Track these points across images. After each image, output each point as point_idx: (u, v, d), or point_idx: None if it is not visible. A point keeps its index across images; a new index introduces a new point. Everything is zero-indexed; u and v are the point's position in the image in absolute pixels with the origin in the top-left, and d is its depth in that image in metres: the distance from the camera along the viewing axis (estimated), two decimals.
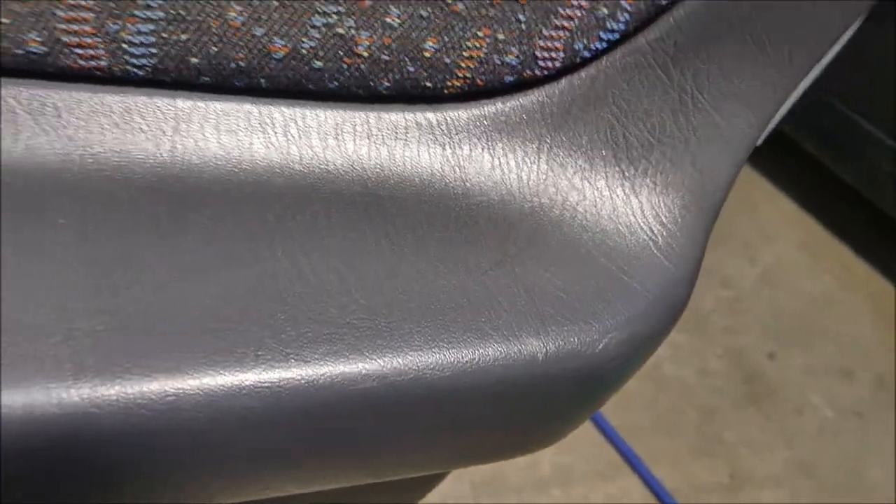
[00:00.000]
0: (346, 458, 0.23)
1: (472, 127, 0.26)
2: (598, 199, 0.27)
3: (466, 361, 0.22)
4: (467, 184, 0.26)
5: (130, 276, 0.21)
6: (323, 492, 0.25)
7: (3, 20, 0.20)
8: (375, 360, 0.21)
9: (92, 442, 0.18)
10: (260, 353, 0.20)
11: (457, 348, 0.22)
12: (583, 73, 0.26)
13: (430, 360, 0.22)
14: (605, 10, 0.24)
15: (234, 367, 0.20)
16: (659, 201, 0.27)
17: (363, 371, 0.21)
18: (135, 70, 0.22)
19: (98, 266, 0.20)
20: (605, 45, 0.25)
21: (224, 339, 0.20)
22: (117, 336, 0.19)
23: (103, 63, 0.22)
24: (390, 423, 0.22)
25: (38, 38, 0.21)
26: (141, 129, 0.23)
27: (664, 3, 0.25)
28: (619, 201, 0.27)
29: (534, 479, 1.13)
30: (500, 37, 0.24)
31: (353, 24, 0.23)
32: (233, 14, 0.22)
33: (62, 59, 0.21)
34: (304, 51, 0.23)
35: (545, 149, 0.27)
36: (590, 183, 0.27)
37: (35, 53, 0.21)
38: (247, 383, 0.20)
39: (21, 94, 0.22)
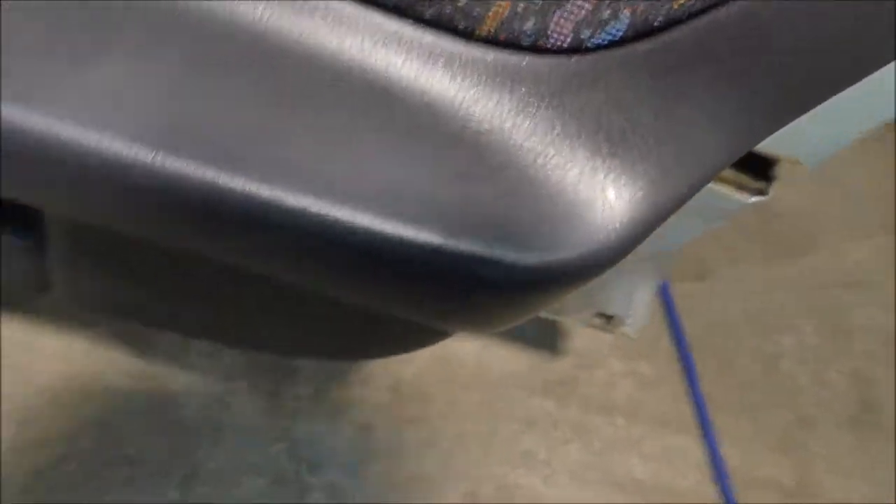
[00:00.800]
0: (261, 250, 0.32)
1: (491, 68, 0.32)
2: (568, 160, 0.33)
3: (377, 225, 0.30)
4: (469, 111, 0.33)
5: (202, 95, 0.30)
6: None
7: None
8: (308, 197, 0.30)
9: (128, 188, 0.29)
10: (246, 158, 0.30)
11: (375, 212, 0.30)
12: (588, 57, 0.31)
13: (344, 212, 0.30)
14: (606, 14, 0.29)
15: (225, 166, 0.29)
16: (618, 180, 0.32)
17: (294, 203, 0.30)
18: None
19: (185, 82, 0.30)
20: (607, 39, 0.30)
21: (229, 146, 0.30)
22: (169, 125, 0.29)
23: None
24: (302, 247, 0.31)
25: None
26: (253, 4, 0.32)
27: (656, 24, 0.29)
28: (586, 169, 0.33)
29: (603, 400, 1.19)
30: (520, 8, 0.30)
31: None
32: None
33: None
34: None
35: (543, 105, 0.33)
36: (567, 146, 0.33)
37: None
38: (227, 185, 0.29)
39: None
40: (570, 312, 0.76)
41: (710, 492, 1.17)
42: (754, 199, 0.43)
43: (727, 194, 0.42)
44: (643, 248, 0.34)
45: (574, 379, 1.18)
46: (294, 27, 0.32)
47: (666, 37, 0.29)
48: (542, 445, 1.12)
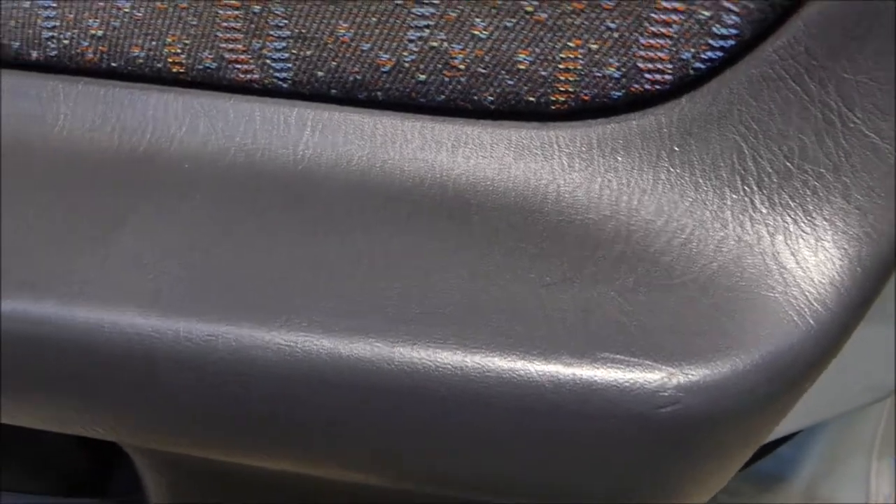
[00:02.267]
0: (339, 437, 0.24)
1: (581, 146, 0.25)
2: (717, 232, 0.23)
3: (485, 365, 0.21)
4: (564, 202, 0.25)
5: (228, 243, 0.25)
6: None
7: (186, 41, 0.27)
8: (394, 344, 0.22)
9: (145, 361, 0.23)
10: (292, 316, 0.23)
11: (477, 351, 0.22)
12: (704, 89, 0.23)
13: (444, 356, 0.22)
14: (706, 13, 0.22)
15: (263, 323, 0.22)
16: (797, 241, 0.23)
17: (379, 353, 0.22)
18: (279, 83, 0.27)
19: (208, 232, 0.25)
20: (720, 54, 0.22)
21: (268, 300, 0.23)
22: (192, 283, 0.24)
23: (256, 76, 0.27)
24: (391, 412, 0.22)
25: (210, 56, 0.27)
26: (281, 132, 0.27)
27: (786, 3, 0.21)
28: (745, 237, 0.23)
29: None
30: (594, 47, 0.23)
31: (445, 37, 0.24)
32: (342, 31, 0.25)
33: (228, 73, 0.27)
34: (406, 64, 0.25)
35: (661, 173, 0.24)
36: (710, 213, 0.24)
37: (210, 68, 0.27)
38: (268, 339, 0.22)
39: (202, 102, 0.28)
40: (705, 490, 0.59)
41: None
42: None
43: None
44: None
45: None
46: (335, 155, 0.27)
47: (803, 15, 0.21)
48: None
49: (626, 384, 0.21)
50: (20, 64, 0.29)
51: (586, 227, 0.25)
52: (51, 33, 0.28)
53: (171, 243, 0.25)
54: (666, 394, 0.21)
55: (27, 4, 0.28)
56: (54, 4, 0.27)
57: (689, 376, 0.21)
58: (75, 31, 0.28)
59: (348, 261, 0.24)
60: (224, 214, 0.26)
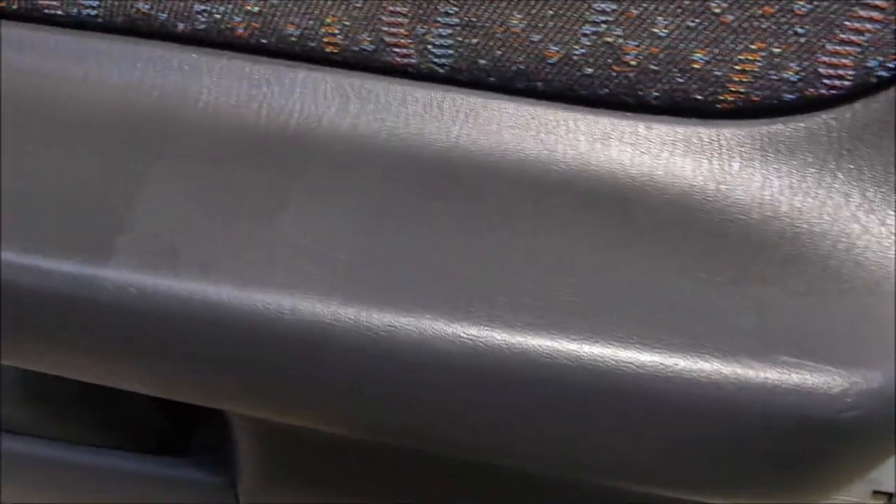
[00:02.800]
0: (516, 432, 0.24)
1: (745, 146, 0.25)
2: (884, 238, 0.24)
3: (668, 365, 0.22)
4: (727, 200, 0.25)
5: (396, 230, 0.25)
6: None
7: (346, 23, 0.27)
8: (574, 340, 0.22)
9: (323, 349, 0.23)
10: (470, 309, 0.23)
11: (660, 350, 0.22)
12: (881, 95, 0.24)
13: (626, 354, 0.22)
14: None
15: (444, 315, 0.23)
16: None
17: (560, 348, 0.22)
18: (437, 68, 0.27)
19: (374, 217, 0.25)
20: None
21: (444, 290, 0.23)
22: (366, 270, 0.24)
23: (414, 61, 0.27)
24: (574, 409, 0.23)
25: (369, 38, 0.27)
26: (436, 117, 0.27)
27: None
28: None
29: None
30: (776, 50, 0.23)
31: (621, 34, 0.24)
32: (514, 21, 0.25)
33: (384, 57, 0.27)
34: (575, 57, 0.25)
35: (827, 175, 0.25)
36: (878, 219, 0.24)
37: (366, 50, 0.27)
38: (449, 331, 0.23)
39: (353, 83, 0.28)
40: (839, 491, 0.60)
41: None
42: None
43: None
44: None
45: None
46: (495, 143, 0.27)
47: None
48: None
49: (809, 388, 0.22)
50: (161, 35, 0.29)
51: (749, 227, 0.25)
52: (203, 6, 0.28)
53: (338, 229, 0.25)
54: (848, 399, 0.21)
55: None
56: None
57: (869, 383, 0.22)
58: (230, 5, 0.27)
59: (515, 253, 0.25)
60: (384, 199, 0.26)
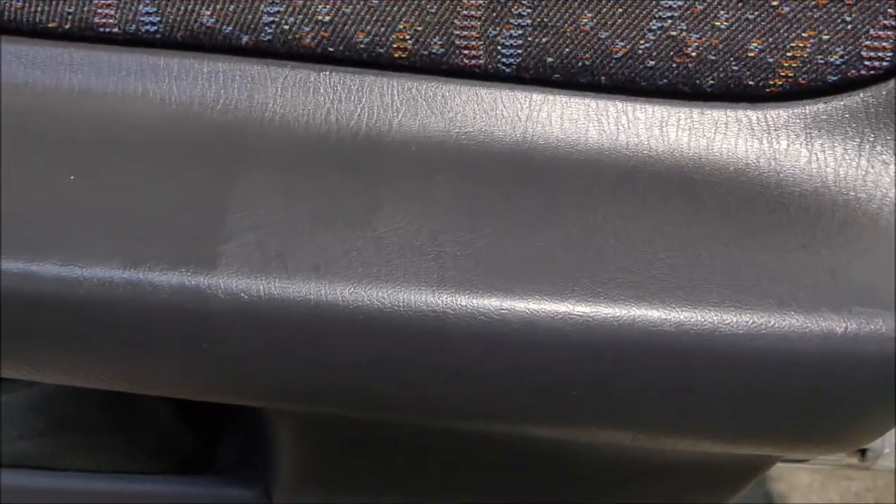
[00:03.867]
0: (629, 400, 0.26)
1: (792, 124, 0.28)
2: None
3: (762, 323, 0.24)
4: (781, 175, 0.28)
5: (487, 222, 0.27)
6: None
7: (418, 28, 0.28)
8: (675, 308, 0.24)
9: (441, 339, 0.24)
10: (576, 288, 0.25)
11: (753, 311, 0.24)
12: None
13: (725, 317, 0.24)
14: None
15: (554, 296, 0.24)
16: None
17: (663, 316, 0.24)
18: (503, 67, 0.29)
19: (464, 211, 0.27)
20: None
21: (548, 274, 0.25)
22: (471, 260, 0.25)
23: (482, 62, 0.28)
24: (679, 372, 0.25)
25: (440, 42, 0.28)
26: (503, 114, 0.29)
27: None
28: None
29: None
30: (825, 37, 0.26)
31: (685, 27, 0.27)
32: (585, 20, 0.27)
33: (454, 59, 0.28)
34: (640, 51, 0.27)
35: (867, 146, 0.27)
36: None
37: (436, 54, 0.28)
38: (562, 310, 0.24)
39: (421, 86, 0.29)
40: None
41: None
42: None
43: None
44: None
45: None
46: (561, 135, 0.28)
47: None
48: None
49: (886, 333, 0.24)
50: (222, 49, 0.30)
51: (804, 197, 0.27)
52: (272, 18, 0.28)
53: (436, 224, 0.26)
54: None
55: None
56: None
57: None
58: (300, 16, 0.28)
59: (600, 236, 0.26)
60: (468, 195, 0.27)
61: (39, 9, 0.29)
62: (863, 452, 0.71)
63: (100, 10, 0.29)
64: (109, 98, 0.29)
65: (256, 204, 0.27)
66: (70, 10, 0.29)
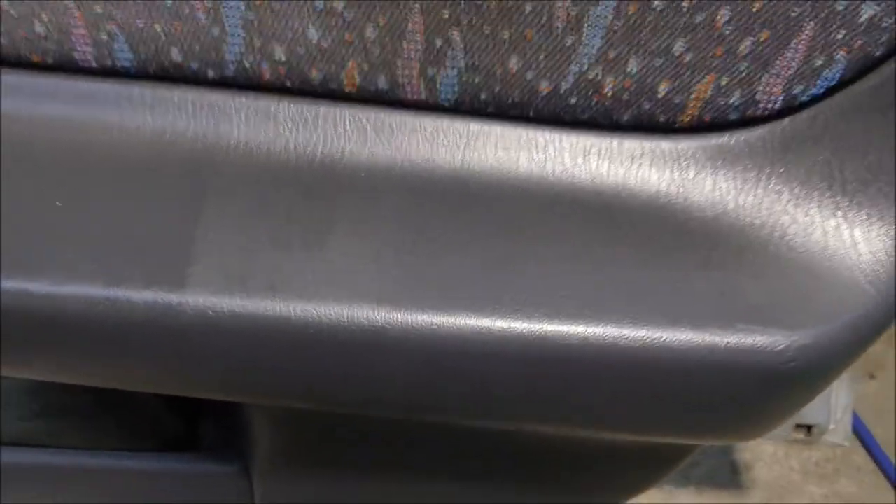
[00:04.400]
0: (542, 401, 0.30)
1: (699, 155, 0.31)
2: (808, 226, 0.30)
3: (655, 338, 0.28)
4: (687, 202, 0.31)
5: (426, 244, 0.30)
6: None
7: (365, 67, 0.31)
8: (581, 324, 0.28)
9: (379, 350, 0.28)
10: (497, 306, 0.28)
11: (649, 327, 0.28)
12: (803, 114, 0.30)
13: (624, 332, 0.28)
14: (820, 62, 0.28)
15: (478, 313, 0.28)
16: (870, 232, 0.30)
17: (570, 331, 0.28)
18: (443, 102, 0.32)
19: (407, 234, 0.30)
20: (823, 88, 0.29)
21: (475, 293, 0.29)
22: (410, 280, 0.29)
23: (423, 97, 0.32)
24: (584, 379, 0.29)
25: (385, 79, 0.31)
26: (443, 143, 0.32)
27: (878, 54, 0.28)
28: (829, 229, 0.30)
29: None
30: (724, 82, 0.30)
31: (601, 71, 0.30)
32: (512, 63, 0.30)
33: (398, 94, 0.32)
34: (562, 90, 0.31)
35: (763, 178, 0.31)
36: (802, 210, 0.31)
37: (382, 89, 0.32)
38: (484, 325, 0.28)
39: (371, 116, 0.32)
40: (781, 426, 0.70)
41: None
42: None
43: None
44: None
45: None
46: (495, 162, 0.32)
47: (891, 66, 0.28)
48: None
49: (761, 347, 0.28)
50: (191, 81, 0.33)
51: (707, 223, 0.31)
52: (234, 57, 0.32)
53: (381, 246, 0.30)
54: (789, 354, 0.28)
55: (216, 32, 0.31)
56: (243, 34, 0.31)
57: (804, 340, 0.28)
58: (259, 55, 0.31)
59: (525, 258, 0.30)
60: (413, 218, 0.31)
61: (23, 45, 0.32)
62: (808, 429, 0.76)
63: (78, 49, 0.32)
64: (88, 126, 0.33)
65: (221, 228, 0.30)
66: (52, 48, 0.32)
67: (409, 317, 0.28)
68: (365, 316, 0.28)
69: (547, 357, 0.28)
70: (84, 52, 0.32)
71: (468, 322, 0.28)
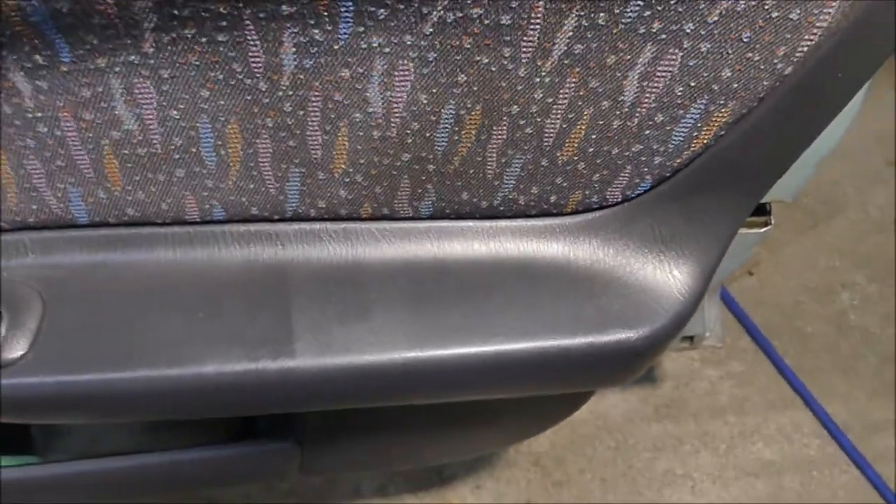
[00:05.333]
0: (506, 382, 0.52)
1: (579, 227, 0.53)
2: (644, 263, 0.52)
3: (554, 344, 0.50)
4: (572, 256, 0.53)
5: (424, 309, 0.51)
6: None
7: (374, 204, 0.51)
8: (525, 341, 0.50)
9: (408, 374, 0.49)
10: (474, 338, 0.50)
11: (548, 338, 0.50)
12: (633, 202, 0.51)
13: (547, 343, 0.50)
14: (637, 181, 0.49)
15: (463, 344, 0.49)
16: (679, 263, 0.52)
17: (518, 346, 0.50)
18: (423, 213, 0.52)
19: (414, 305, 0.51)
20: (642, 190, 0.50)
21: (460, 333, 0.50)
22: (422, 333, 0.50)
23: (410, 214, 0.52)
24: (503, 372, 0.51)
25: (387, 210, 0.51)
26: (426, 236, 0.52)
27: (668, 175, 0.49)
28: (656, 263, 0.52)
29: (711, 406, 1.35)
30: (587, 192, 0.50)
31: (516, 194, 0.50)
32: (464, 195, 0.50)
33: (396, 214, 0.52)
34: (494, 204, 0.51)
35: (615, 238, 0.52)
36: (640, 254, 0.52)
37: (386, 214, 0.51)
38: (467, 351, 0.49)
39: (378, 227, 0.52)
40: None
41: (837, 451, 1.30)
42: (765, 229, 0.62)
43: (747, 235, 0.62)
44: None
45: (680, 397, 1.34)
46: (457, 245, 0.52)
47: (678, 177, 0.49)
48: (676, 462, 1.27)
49: (624, 339, 0.50)
50: (261, 221, 0.52)
51: (586, 269, 0.52)
52: (292, 208, 0.50)
53: (402, 314, 0.50)
54: (640, 341, 0.50)
55: (281, 198, 0.50)
56: (298, 197, 0.50)
57: (646, 332, 0.51)
58: (307, 206, 0.50)
59: (484, 308, 0.51)
60: (416, 292, 0.51)
61: (152, 214, 0.50)
62: (691, 339, 1.01)
63: (189, 214, 0.50)
64: (198, 260, 0.51)
65: (303, 316, 0.50)
66: (170, 215, 0.50)
67: (427, 353, 0.49)
68: (399, 357, 0.49)
69: (511, 358, 0.50)
70: (192, 215, 0.50)
71: (460, 351, 0.49)
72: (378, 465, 0.92)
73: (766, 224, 0.62)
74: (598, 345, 0.50)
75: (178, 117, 0.43)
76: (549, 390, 0.55)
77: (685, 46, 0.41)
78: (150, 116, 0.43)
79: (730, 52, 0.41)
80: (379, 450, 0.75)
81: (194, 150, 0.45)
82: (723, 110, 0.44)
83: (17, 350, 0.46)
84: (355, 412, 0.65)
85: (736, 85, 0.42)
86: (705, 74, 0.42)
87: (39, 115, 0.42)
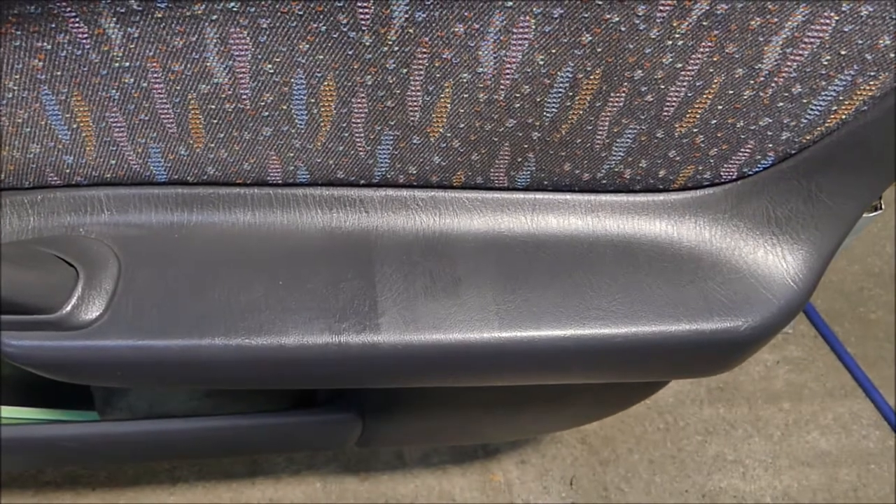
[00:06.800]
0: (600, 369, 0.49)
1: (686, 205, 0.49)
2: (755, 247, 0.48)
3: (662, 330, 0.46)
4: (676, 236, 0.49)
5: (515, 287, 0.48)
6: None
7: (468, 173, 0.47)
8: (620, 326, 0.46)
9: (497, 360, 0.46)
10: (572, 319, 0.46)
11: (659, 323, 0.46)
12: (749, 180, 0.47)
13: (643, 328, 0.46)
14: (758, 157, 0.45)
15: (553, 325, 0.46)
16: (794, 248, 0.48)
17: (613, 332, 0.46)
18: (519, 185, 0.48)
19: (504, 283, 0.48)
20: (762, 167, 0.46)
21: (550, 313, 0.47)
22: (514, 311, 0.46)
23: (506, 185, 0.48)
24: (622, 356, 0.47)
25: (482, 179, 0.48)
26: (520, 207, 0.49)
27: (793, 152, 0.45)
28: (769, 247, 0.48)
29: (766, 391, 1.31)
30: (700, 168, 0.46)
31: (623, 167, 0.47)
32: (566, 165, 0.47)
33: (491, 185, 0.48)
34: (597, 178, 0.47)
35: (725, 218, 0.49)
36: (751, 237, 0.48)
37: (480, 184, 0.48)
38: (558, 334, 0.46)
39: (469, 196, 0.49)
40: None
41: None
42: (874, 213, 0.58)
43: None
44: None
45: (735, 380, 1.30)
46: (553, 220, 0.49)
47: (803, 154, 0.45)
48: (728, 447, 1.24)
49: (731, 327, 0.47)
50: (347, 185, 0.49)
51: (692, 250, 0.49)
52: (381, 173, 0.47)
53: (493, 291, 0.47)
54: (747, 330, 0.47)
55: (371, 161, 0.47)
56: (389, 161, 0.47)
57: (753, 319, 0.47)
58: (397, 171, 0.47)
59: (581, 287, 0.48)
60: (507, 268, 0.48)
61: (233, 175, 0.47)
62: None
63: (271, 175, 0.47)
64: (279, 223, 0.49)
65: (390, 289, 0.47)
66: (253, 175, 0.47)
67: (516, 334, 0.46)
68: (491, 337, 0.46)
69: (598, 346, 0.46)
70: (275, 177, 0.47)
71: (555, 333, 0.46)
72: (431, 441, 0.90)
73: (876, 208, 0.58)
74: (701, 332, 0.47)
75: (271, 71, 0.40)
76: (643, 378, 0.52)
77: (843, 10, 0.36)
78: (243, 69, 0.40)
79: (895, 16, 0.36)
80: (435, 427, 0.72)
81: (285, 107, 0.42)
82: (871, 83, 0.40)
83: (93, 311, 0.44)
84: (415, 388, 0.63)
85: (893, 55, 0.38)
86: (860, 42, 0.38)
87: (127, 64, 0.39)
